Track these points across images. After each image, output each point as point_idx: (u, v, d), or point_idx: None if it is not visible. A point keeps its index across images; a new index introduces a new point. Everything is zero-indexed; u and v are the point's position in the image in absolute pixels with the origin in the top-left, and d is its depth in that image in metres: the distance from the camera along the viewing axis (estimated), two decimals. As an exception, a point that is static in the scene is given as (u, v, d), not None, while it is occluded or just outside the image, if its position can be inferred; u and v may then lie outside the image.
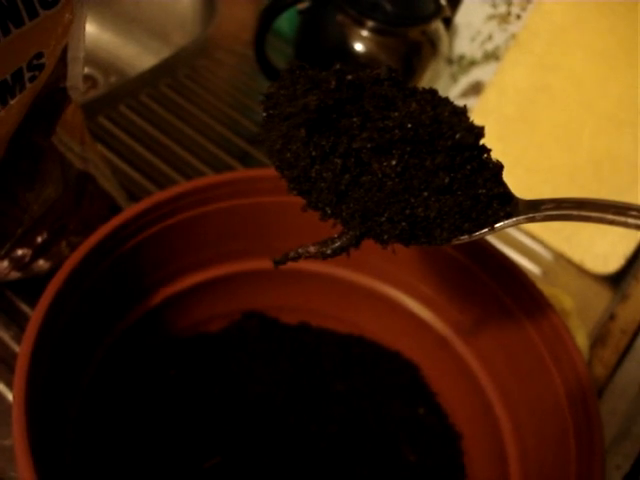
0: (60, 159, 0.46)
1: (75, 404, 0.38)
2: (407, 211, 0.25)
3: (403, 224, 0.26)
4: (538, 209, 0.27)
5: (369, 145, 0.25)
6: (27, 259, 0.45)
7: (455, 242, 0.27)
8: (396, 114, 0.25)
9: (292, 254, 0.28)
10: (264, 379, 0.47)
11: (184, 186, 0.38)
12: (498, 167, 0.27)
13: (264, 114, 0.27)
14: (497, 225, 0.27)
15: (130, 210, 0.36)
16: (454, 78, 0.70)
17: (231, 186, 0.42)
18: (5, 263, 0.43)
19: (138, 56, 0.82)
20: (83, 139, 0.50)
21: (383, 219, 0.26)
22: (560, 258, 0.64)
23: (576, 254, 0.62)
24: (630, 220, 0.25)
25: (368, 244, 0.27)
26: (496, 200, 0.27)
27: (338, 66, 0.26)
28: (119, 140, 0.63)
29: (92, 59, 0.82)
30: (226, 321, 0.49)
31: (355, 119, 0.26)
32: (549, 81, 0.63)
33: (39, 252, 0.46)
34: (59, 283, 0.33)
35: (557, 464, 0.37)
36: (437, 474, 0.44)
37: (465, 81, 0.72)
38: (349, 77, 0.26)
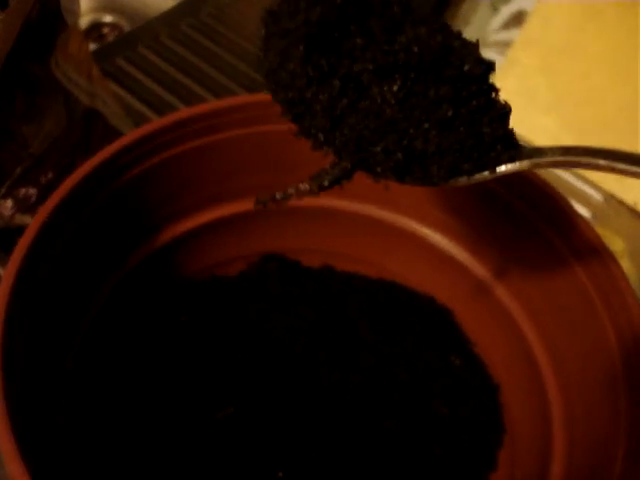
0: (64, 93, 0.44)
1: (70, 355, 0.36)
2: (404, 142, 0.24)
3: (399, 155, 0.24)
4: (544, 155, 0.26)
5: (371, 67, 0.24)
6: (33, 199, 0.43)
7: (453, 183, 0.25)
8: (403, 38, 0.24)
9: (279, 195, 0.27)
10: (283, 326, 0.43)
11: (191, 110, 0.34)
12: (506, 109, 0.25)
13: (263, 31, 0.26)
14: (499, 169, 0.25)
15: (130, 135, 0.32)
16: (494, 7, 0.64)
17: (245, 111, 0.38)
18: (9, 202, 0.43)
19: (165, 2, 0.77)
20: (90, 74, 0.49)
21: (378, 149, 0.24)
22: (611, 199, 0.61)
23: (629, 195, 0.56)
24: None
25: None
26: (500, 143, 0.25)
27: None
28: (137, 81, 0.61)
29: (117, 6, 0.78)
30: (243, 264, 0.46)
31: (359, 40, 0.24)
32: (600, 7, 0.56)
33: (45, 192, 0.44)
34: (46, 214, 0.28)
35: (605, 423, 0.34)
36: (472, 427, 0.41)
37: (506, 11, 0.66)
38: None
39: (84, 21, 0.75)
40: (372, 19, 0.24)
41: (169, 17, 0.67)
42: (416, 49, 0.23)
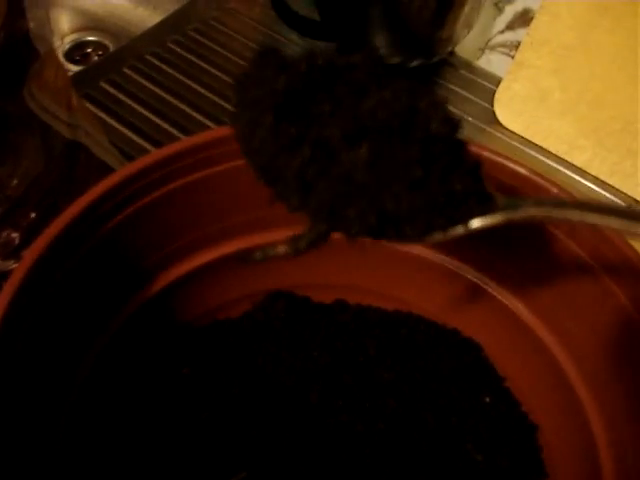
0: (41, 127, 0.42)
1: (63, 416, 0.33)
2: (376, 205, 0.25)
3: (372, 219, 0.25)
4: (517, 208, 0.26)
5: (338, 133, 0.24)
6: (16, 242, 0.42)
7: (428, 240, 0.26)
8: (368, 102, 0.25)
9: (259, 254, 0.27)
10: (296, 371, 0.41)
11: (181, 144, 0.29)
12: (476, 163, 0.26)
13: (234, 99, 0.27)
14: (472, 224, 0.26)
15: (114, 177, 0.27)
16: (498, 7, 0.60)
17: None
18: (-11, 246, 0.37)
19: (150, 18, 0.73)
20: (70, 104, 0.46)
21: (351, 213, 0.25)
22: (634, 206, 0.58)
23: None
24: (612, 222, 0.24)
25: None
26: (472, 197, 0.25)
27: (310, 51, 0.25)
28: (123, 105, 0.59)
29: (100, 25, 0.77)
30: (247, 304, 0.43)
31: (326, 106, 0.25)
32: (610, 3, 0.53)
33: (29, 235, 0.43)
34: (26, 269, 0.28)
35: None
36: (511, 474, 0.38)
37: (511, 10, 0.68)
38: (320, 62, 0.25)
39: (67, 41, 0.70)
40: (338, 84, 0.25)
41: (153, 34, 0.66)
42: (381, 114, 0.24)
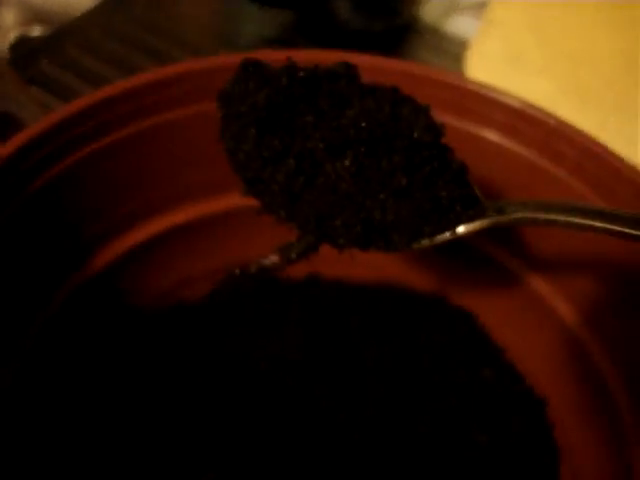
0: None
1: None
2: (362, 215, 0.25)
3: (358, 228, 0.25)
4: (504, 212, 0.26)
5: (321, 145, 0.25)
6: None
7: (416, 247, 0.26)
8: (351, 112, 0.25)
9: (254, 268, 0.28)
10: (268, 356, 0.36)
11: (130, 81, 0.25)
12: (461, 168, 0.26)
13: (219, 114, 0.27)
14: (459, 229, 0.26)
15: (50, 117, 0.23)
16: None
17: (194, 80, 0.31)
18: None
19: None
20: None
21: (338, 223, 0.25)
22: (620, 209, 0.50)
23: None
24: (597, 224, 0.24)
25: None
26: (459, 202, 0.26)
27: (290, 63, 0.26)
28: (69, 87, 0.54)
29: (46, 17, 0.73)
30: (209, 282, 0.38)
31: (309, 118, 0.26)
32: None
33: None
34: None
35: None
36: (520, 456, 0.34)
37: None
38: (301, 74, 0.26)
39: (11, 36, 0.64)
40: (320, 95, 0.26)
41: (99, 12, 0.62)
42: (364, 123, 0.25)
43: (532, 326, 0.36)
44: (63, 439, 0.32)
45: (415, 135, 0.25)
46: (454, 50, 0.63)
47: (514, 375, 0.37)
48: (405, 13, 0.62)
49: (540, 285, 0.35)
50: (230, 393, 0.35)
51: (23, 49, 0.60)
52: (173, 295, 0.38)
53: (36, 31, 0.70)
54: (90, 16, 0.62)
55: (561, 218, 0.25)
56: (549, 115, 0.32)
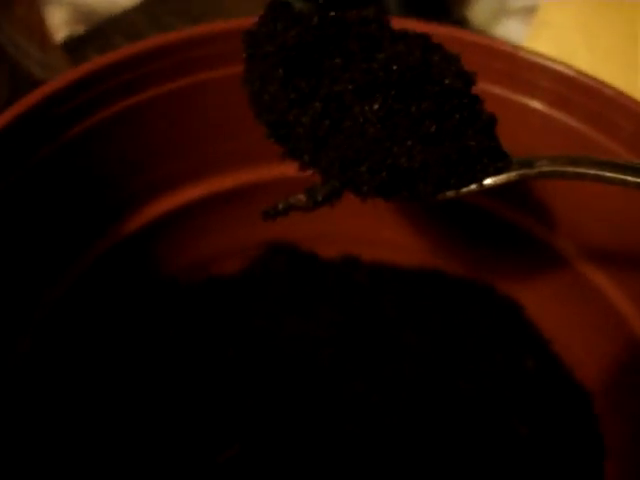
0: (9, 61, 0.37)
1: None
2: (389, 160, 0.24)
3: (383, 175, 0.24)
4: (531, 166, 0.25)
5: (350, 87, 0.24)
6: None
7: (441, 198, 0.25)
8: (381, 55, 0.25)
9: (282, 205, 0.26)
10: (301, 336, 0.35)
11: (167, 37, 0.24)
12: (491, 120, 0.25)
13: (244, 54, 0.26)
14: (486, 181, 0.25)
15: (82, 68, 0.22)
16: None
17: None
18: None
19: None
20: (44, 42, 0.41)
21: (363, 169, 0.24)
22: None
23: None
24: (629, 178, 0.23)
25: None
26: (486, 155, 0.25)
27: (322, 1, 0.25)
28: None
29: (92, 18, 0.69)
30: (243, 259, 0.37)
31: (338, 60, 0.25)
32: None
33: None
34: None
35: None
36: (562, 450, 0.32)
37: None
38: (332, 14, 0.25)
39: (60, 35, 0.65)
40: (350, 38, 0.25)
41: (149, 5, 0.58)
42: (395, 67, 0.24)
43: (584, 316, 0.34)
44: (94, 400, 0.31)
45: (446, 82, 0.24)
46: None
47: (559, 367, 0.35)
48: (454, 14, 0.61)
49: (595, 275, 0.33)
50: (259, 368, 0.34)
51: (71, 44, 0.61)
52: (204, 268, 0.37)
53: (83, 31, 0.71)
54: (136, 9, 0.62)
55: (591, 171, 0.24)
56: (605, 84, 0.30)
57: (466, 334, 0.36)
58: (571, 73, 0.31)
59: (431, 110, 0.24)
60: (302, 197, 0.26)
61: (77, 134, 0.27)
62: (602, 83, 0.31)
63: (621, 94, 0.31)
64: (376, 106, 0.24)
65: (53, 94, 0.27)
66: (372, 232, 0.38)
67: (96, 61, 0.27)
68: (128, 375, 0.33)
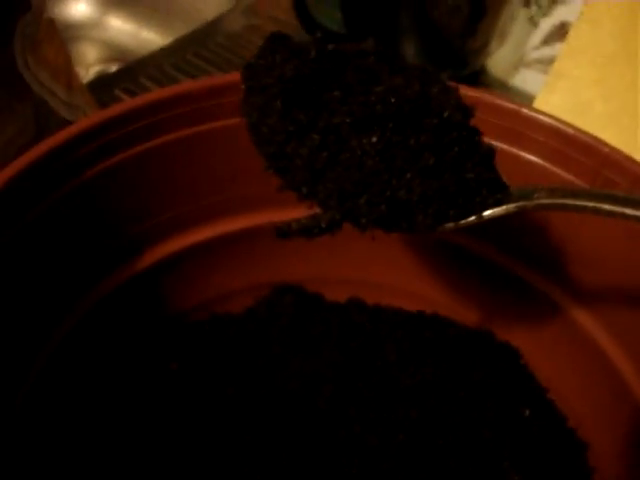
0: (34, 99, 0.39)
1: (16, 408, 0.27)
2: (387, 193, 0.24)
3: (382, 208, 0.24)
4: (530, 198, 0.25)
5: (348, 120, 0.25)
6: None
7: (440, 230, 0.25)
8: (379, 88, 0.25)
9: (295, 225, 0.26)
10: (304, 375, 0.36)
11: (179, 87, 0.25)
12: (489, 151, 0.26)
13: (243, 86, 0.27)
14: (485, 213, 0.25)
15: (94, 117, 0.23)
16: (533, 21, 0.56)
17: None
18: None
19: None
20: (70, 83, 0.43)
21: (362, 201, 0.24)
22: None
23: None
24: (628, 211, 0.23)
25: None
26: (485, 186, 0.25)
27: (319, 35, 0.29)
28: None
29: (128, 57, 0.73)
30: (250, 298, 0.38)
31: (336, 92, 0.25)
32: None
33: None
34: None
35: None
36: None
37: (547, 24, 0.63)
38: (330, 47, 0.25)
39: (91, 72, 0.68)
40: (348, 70, 0.26)
41: (174, 47, 0.66)
42: (393, 100, 0.24)
43: (578, 365, 0.35)
44: (95, 440, 0.32)
45: (445, 114, 0.25)
46: (522, 105, 0.65)
47: (555, 415, 0.35)
48: (472, 65, 0.62)
49: (587, 321, 0.33)
50: (257, 409, 0.34)
51: (100, 81, 0.63)
52: (210, 308, 0.38)
53: (115, 68, 0.74)
54: (164, 51, 0.64)
55: (589, 204, 0.24)
56: (601, 142, 0.31)
57: (465, 379, 0.36)
58: (570, 131, 0.31)
59: (430, 143, 0.24)
60: (311, 221, 0.26)
61: (95, 175, 0.29)
62: (600, 141, 0.31)
63: (617, 152, 0.31)
64: (374, 139, 0.24)
65: (79, 134, 0.28)
66: (378, 276, 0.39)
67: (115, 108, 0.28)
68: (130, 413, 0.34)
